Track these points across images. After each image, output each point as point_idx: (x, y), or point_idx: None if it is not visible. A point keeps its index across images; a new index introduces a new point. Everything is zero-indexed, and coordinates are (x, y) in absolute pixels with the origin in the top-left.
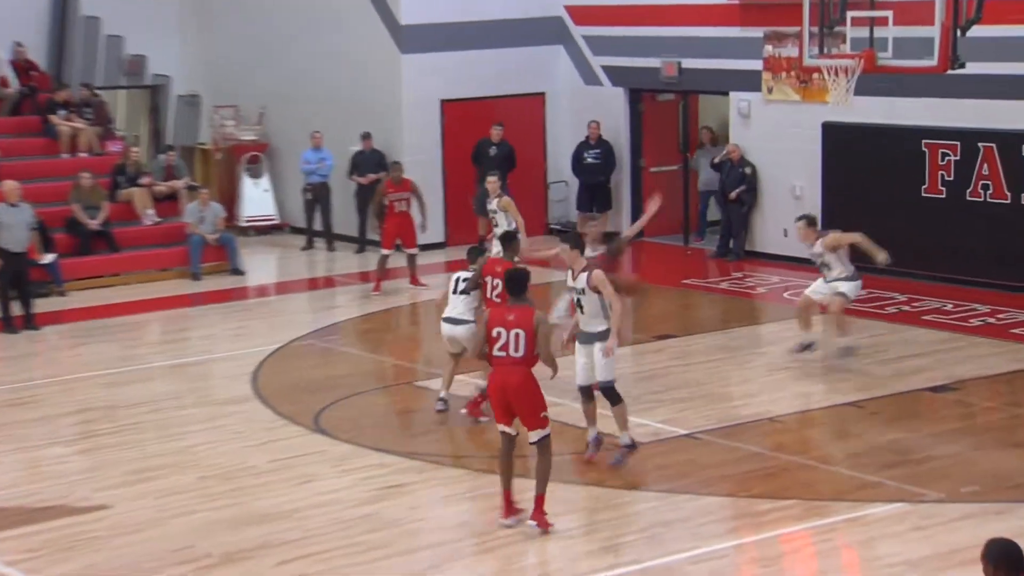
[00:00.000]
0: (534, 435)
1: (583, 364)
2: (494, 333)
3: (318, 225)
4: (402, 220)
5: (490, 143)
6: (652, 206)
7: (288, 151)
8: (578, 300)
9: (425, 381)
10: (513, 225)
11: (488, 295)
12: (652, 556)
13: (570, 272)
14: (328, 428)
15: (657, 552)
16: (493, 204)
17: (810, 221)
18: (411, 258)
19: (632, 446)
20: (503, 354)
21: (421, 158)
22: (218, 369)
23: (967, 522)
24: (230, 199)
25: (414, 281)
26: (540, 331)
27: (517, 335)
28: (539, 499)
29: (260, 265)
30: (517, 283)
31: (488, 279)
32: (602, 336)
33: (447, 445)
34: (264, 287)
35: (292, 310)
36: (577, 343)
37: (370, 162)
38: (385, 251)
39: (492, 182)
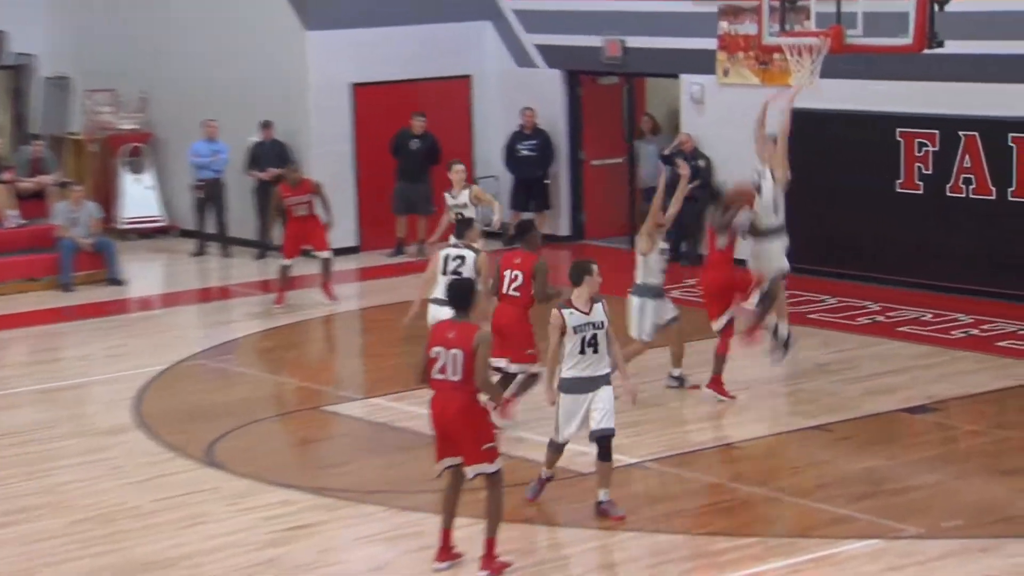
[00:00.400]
0: (472, 470)
1: (580, 417)
2: (433, 353)
3: (211, 227)
4: (305, 224)
5: (411, 135)
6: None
7: (175, 142)
8: (593, 338)
9: (334, 405)
10: (493, 216)
11: (506, 290)
12: None
13: (576, 303)
14: (223, 461)
15: None
16: (462, 197)
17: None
18: (325, 263)
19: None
20: (441, 377)
21: (330, 150)
22: (95, 394)
23: (949, 560)
24: (107, 198)
25: (327, 290)
26: (479, 353)
27: (455, 356)
28: (489, 544)
29: (143, 274)
30: (459, 296)
31: (507, 272)
32: (608, 379)
33: (360, 479)
34: (148, 299)
35: (181, 325)
36: (570, 395)
37: (271, 155)
38: (286, 261)
39: (459, 171)
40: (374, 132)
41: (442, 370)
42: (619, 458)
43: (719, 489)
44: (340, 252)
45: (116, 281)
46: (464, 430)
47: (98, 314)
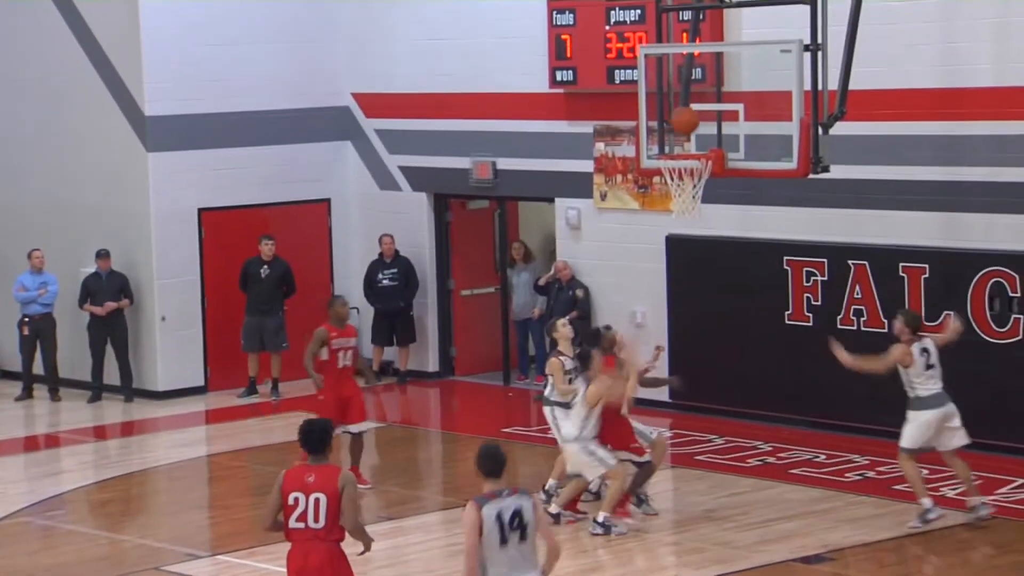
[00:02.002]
0: None
1: None
2: (291, 499)
3: (38, 368)
4: (348, 380)
5: (260, 262)
6: None
7: None
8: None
9: (176, 564)
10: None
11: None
12: None
13: None
14: None
15: None
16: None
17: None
18: (358, 441)
19: None
20: (301, 525)
21: (175, 281)
22: None
23: None
24: None
25: (355, 474)
26: (345, 494)
27: (317, 501)
28: None
29: None
30: (315, 438)
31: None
32: None
33: None
34: None
35: (2, 478)
36: None
37: (109, 287)
38: (351, 427)
39: (565, 325)
40: (224, 261)
41: (301, 518)
42: None
43: None
44: (186, 392)
45: None
46: None
47: None
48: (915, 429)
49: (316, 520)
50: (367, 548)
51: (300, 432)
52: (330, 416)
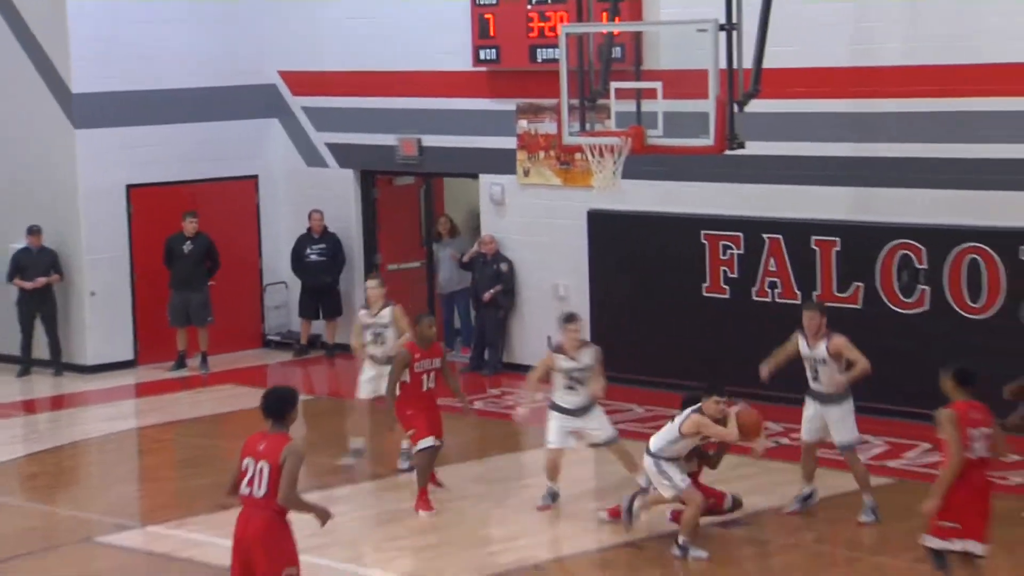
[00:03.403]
0: None
1: None
2: (243, 464)
3: None
4: (434, 403)
5: (183, 238)
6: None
7: None
8: None
9: (109, 535)
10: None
11: None
12: None
13: None
14: None
15: None
16: (383, 316)
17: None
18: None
19: None
20: (247, 491)
21: (103, 257)
22: None
23: None
24: None
25: (433, 480)
26: (286, 466)
27: (262, 469)
28: None
29: None
30: (275, 406)
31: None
32: None
33: None
34: None
35: None
36: None
37: (39, 263)
38: (430, 442)
39: (373, 287)
40: (152, 237)
41: (249, 483)
42: None
43: None
44: (115, 366)
45: None
46: (263, 551)
47: None
48: (853, 418)
49: (259, 487)
50: (321, 520)
51: (262, 399)
52: (430, 428)
